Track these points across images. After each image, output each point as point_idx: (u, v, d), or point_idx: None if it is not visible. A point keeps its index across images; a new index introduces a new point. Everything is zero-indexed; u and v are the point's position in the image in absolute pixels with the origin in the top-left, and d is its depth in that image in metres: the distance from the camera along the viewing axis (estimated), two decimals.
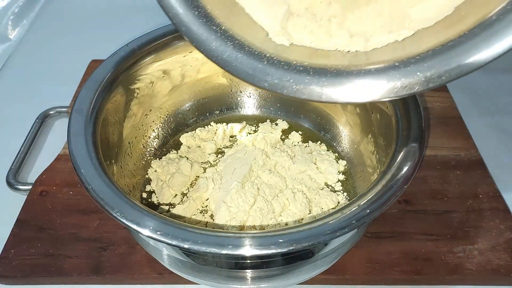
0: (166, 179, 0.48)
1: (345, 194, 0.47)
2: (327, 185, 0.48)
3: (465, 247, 0.44)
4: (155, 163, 0.50)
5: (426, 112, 0.59)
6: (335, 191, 0.48)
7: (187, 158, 0.51)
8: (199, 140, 0.53)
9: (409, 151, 0.36)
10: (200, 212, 0.45)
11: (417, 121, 0.38)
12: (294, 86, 0.33)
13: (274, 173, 0.47)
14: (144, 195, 0.47)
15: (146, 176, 0.49)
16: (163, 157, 0.51)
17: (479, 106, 0.63)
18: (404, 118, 0.38)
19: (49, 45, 0.75)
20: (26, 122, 0.58)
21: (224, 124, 0.55)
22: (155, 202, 0.47)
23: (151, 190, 0.48)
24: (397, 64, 0.32)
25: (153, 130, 0.52)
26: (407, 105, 0.39)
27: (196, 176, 0.49)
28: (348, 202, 0.44)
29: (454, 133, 0.57)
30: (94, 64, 0.66)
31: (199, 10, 0.35)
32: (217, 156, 0.52)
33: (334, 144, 0.53)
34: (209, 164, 0.51)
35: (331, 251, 0.36)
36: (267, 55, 0.35)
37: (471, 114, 0.61)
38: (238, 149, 0.51)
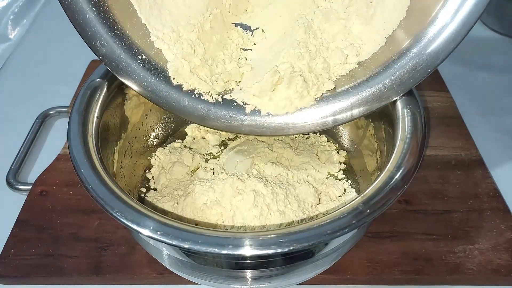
0: (167, 168, 0.48)
1: (349, 181, 0.48)
2: (330, 174, 0.49)
3: (465, 247, 0.44)
4: (159, 151, 0.51)
5: (426, 112, 0.59)
6: (339, 179, 0.48)
7: (190, 148, 0.51)
8: (204, 132, 0.54)
9: (409, 151, 0.36)
10: None
11: (417, 121, 0.38)
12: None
13: (277, 164, 0.47)
14: (144, 195, 0.47)
15: (146, 173, 0.49)
16: (167, 145, 0.52)
17: (479, 106, 0.63)
18: (404, 117, 0.38)
19: (49, 45, 0.75)
20: (26, 122, 0.58)
21: None
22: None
23: (152, 177, 0.49)
24: (350, 90, 0.39)
25: (153, 130, 0.52)
26: (407, 104, 0.39)
27: (197, 167, 0.50)
28: (353, 189, 0.46)
29: (454, 133, 0.57)
30: (94, 64, 0.66)
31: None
32: (220, 148, 0.52)
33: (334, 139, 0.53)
34: (212, 156, 0.51)
35: (331, 251, 0.36)
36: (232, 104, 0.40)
37: (471, 114, 0.61)
38: (241, 141, 0.51)
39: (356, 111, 0.39)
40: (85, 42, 0.37)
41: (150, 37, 0.39)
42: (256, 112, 0.40)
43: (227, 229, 0.41)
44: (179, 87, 0.40)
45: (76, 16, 0.36)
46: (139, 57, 0.39)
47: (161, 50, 0.39)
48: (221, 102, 0.40)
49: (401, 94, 0.38)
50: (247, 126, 0.39)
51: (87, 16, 0.36)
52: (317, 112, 0.39)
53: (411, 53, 0.36)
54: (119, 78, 0.39)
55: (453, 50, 0.35)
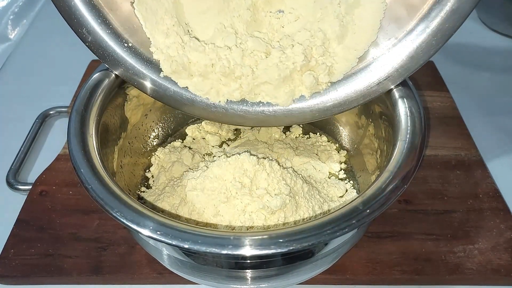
0: (167, 167, 0.48)
1: (351, 182, 0.48)
2: (331, 174, 0.49)
3: (465, 247, 0.44)
4: (159, 150, 0.51)
5: (426, 112, 0.59)
6: (341, 180, 0.48)
7: (190, 148, 0.51)
8: (204, 133, 0.54)
9: (409, 151, 0.36)
10: None
11: (417, 120, 0.38)
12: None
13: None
14: (143, 195, 0.47)
15: (146, 172, 0.49)
16: (167, 145, 0.52)
17: (479, 106, 0.63)
18: (404, 117, 0.38)
19: (49, 45, 0.75)
20: (26, 122, 0.58)
21: None
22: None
23: (151, 175, 0.49)
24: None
25: (153, 130, 0.52)
26: (407, 105, 0.39)
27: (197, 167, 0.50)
28: (354, 190, 0.47)
29: (454, 133, 0.57)
30: (94, 64, 0.66)
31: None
32: (220, 148, 0.52)
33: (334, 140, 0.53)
34: (211, 156, 0.51)
35: (331, 251, 0.36)
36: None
37: (471, 114, 0.61)
38: (242, 142, 0.51)
39: (350, 101, 0.40)
40: (72, 29, 0.38)
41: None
42: (244, 102, 0.41)
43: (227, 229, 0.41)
44: (166, 76, 0.40)
45: (61, 4, 0.37)
46: (126, 44, 0.39)
47: (149, 38, 0.40)
48: None
49: (396, 84, 0.39)
50: (237, 115, 0.41)
51: (72, 3, 0.37)
52: (312, 102, 0.40)
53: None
54: (107, 66, 0.40)
55: (445, 43, 0.35)
